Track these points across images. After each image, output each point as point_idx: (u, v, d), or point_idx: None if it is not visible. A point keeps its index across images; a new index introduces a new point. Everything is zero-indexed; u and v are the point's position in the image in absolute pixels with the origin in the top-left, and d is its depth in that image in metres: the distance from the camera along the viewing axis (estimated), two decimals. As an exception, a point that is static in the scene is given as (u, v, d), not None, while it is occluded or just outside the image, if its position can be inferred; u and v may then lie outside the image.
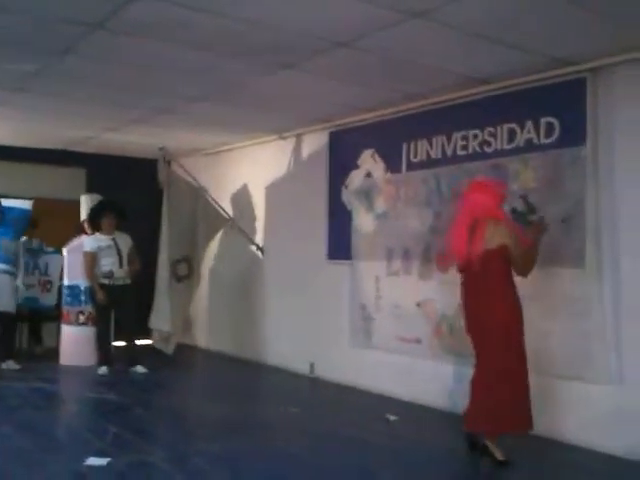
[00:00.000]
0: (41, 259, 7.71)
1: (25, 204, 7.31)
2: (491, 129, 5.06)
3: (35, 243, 7.69)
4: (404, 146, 5.77)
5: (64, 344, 7.41)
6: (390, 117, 5.90)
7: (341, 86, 5.19)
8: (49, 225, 7.74)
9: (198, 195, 7.48)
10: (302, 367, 6.82)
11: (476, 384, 4.17)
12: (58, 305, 7.62)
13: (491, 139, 5.06)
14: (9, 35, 4.12)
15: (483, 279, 4.10)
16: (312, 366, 6.73)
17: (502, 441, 4.11)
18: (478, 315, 4.17)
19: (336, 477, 3.97)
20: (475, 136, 5.18)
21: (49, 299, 7.71)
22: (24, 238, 7.41)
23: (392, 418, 5.15)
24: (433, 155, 5.53)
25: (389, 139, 5.93)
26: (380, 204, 6.00)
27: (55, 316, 7.65)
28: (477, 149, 5.17)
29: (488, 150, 5.08)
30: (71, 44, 4.27)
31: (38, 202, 7.45)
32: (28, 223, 7.37)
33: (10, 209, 7.15)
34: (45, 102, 5.95)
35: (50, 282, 7.64)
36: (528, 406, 4.11)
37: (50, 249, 7.69)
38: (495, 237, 4.04)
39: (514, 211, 4.74)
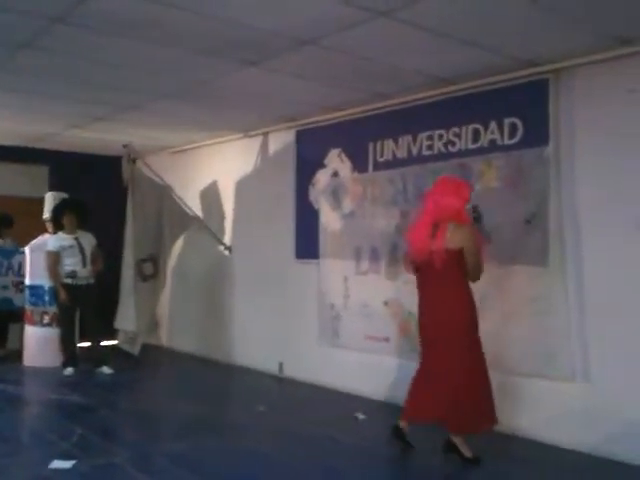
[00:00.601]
0: (14, 259, 7.56)
1: None
2: (456, 129, 5.12)
3: (8, 243, 7.53)
4: (370, 146, 5.81)
5: (28, 345, 7.27)
6: (357, 116, 5.93)
7: (307, 85, 5.19)
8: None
9: (164, 193, 7.40)
10: (271, 367, 6.81)
11: (430, 381, 4.21)
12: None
13: (456, 139, 5.12)
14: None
15: (442, 278, 4.15)
16: (281, 366, 6.73)
17: (469, 439, 4.17)
18: (435, 313, 4.22)
19: (304, 476, 3.98)
20: (440, 136, 5.24)
21: (23, 300, 7.54)
22: None
23: (361, 417, 5.19)
24: (399, 155, 5.58)
25: (356, 139, 5.95)
26: (347, 203, 6.03)
27: (19, 317, 7.51)
28: (442, 149, 5.22)
29: (453, 150, 5.14)
30: (32, 38, 4.17)
31: (1, 199, 7.30)
32: None
33: None
34: (5, 97, 5.81)
35: (23, 282, 7.48)
36: (492, 402, 4.18)
37: (23, 249, 7.52)
38: (455, 238, 4.10)
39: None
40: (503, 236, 4.68)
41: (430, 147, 5.32)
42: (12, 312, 7.56)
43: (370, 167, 5.84)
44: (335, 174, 6.19)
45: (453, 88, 5.07)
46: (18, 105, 6.15)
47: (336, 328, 6.10)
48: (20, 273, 7.50)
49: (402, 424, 4.33)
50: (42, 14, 3.79)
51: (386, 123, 5.67)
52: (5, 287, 7.48)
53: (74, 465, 3.94)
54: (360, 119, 5.91)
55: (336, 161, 6.17)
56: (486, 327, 4.28)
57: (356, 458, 4.32)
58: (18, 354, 7.33)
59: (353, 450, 4.46)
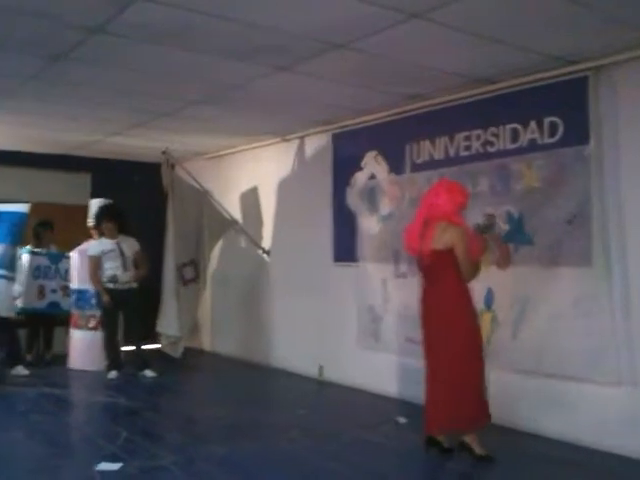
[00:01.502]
0: (61, 264, 7.72)
1: (21, 207, 7.07)
2: (494, 129, 5.06)
3: (53, 248, 7.71)
4: (407, 147, 5.79)
5: (73, 348, 7.45)
6: (393, 118, 5.91)
7: (342, 88, 5.20)
8: (56, 230, 7.80)
9: (202, 198, 7.50)
10: (310, 370, 6.83)
11: (437, 384, 4.22)
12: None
13: (494, 139, 5.07)
14: (9, 39, 4.12)
15: (432, 277, 4.24)
16: (321, 369, 6.74)
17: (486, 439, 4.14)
18: (428, 313, 4.26)
19: None
20: (478, 136, 5.19)
21: (69, 303, 7.70)
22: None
23: (402, 420, 5.16)
24: (436, 156, 5.55)
25: (392, 140, 5.94)
26: (385, 206, 6.01)
27: (64, 321, 7.69)
28: (480, 150, 5.18)
29: (491, 150, 5.09)
30: (72, 48, 4.28)
31: (44, 207, 7.49)
32: (25, 227, 7.24)
33: (6, 213, 6.96)
34: (46, 106, 5.97)
35: (69, 287, 7.67)
36: (486, 398, 4.18)
37: (69, 254, 7.66)
38: (442, 238, 4.13)
39: (477, 227, 4.77)
40: (545, 237, 4.62)
41: (468, 148, 5.28)
42: (59, 315, 7.73)
43: (407, 169, 5.82)
44: (372, 176, 6.18)
45: (491, 88, 5.03)
46: (59, 114, 6.30)
47: (376, 331, 6.09)
48: (66, 277, 7.68)
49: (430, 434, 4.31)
50: (81, 26, 3.89)
51: (423, 124, 5.64)
52: (53, 291, 7.66)
53: (121, 467, 4.01)
54: (396, 121, 5.89)
55: (373, 163, 6.16)
56: (530, 330, 4.23)
57: (398, 462, 4.30)
58: (63, 357, 7.51)
59: (395, 454, 4.45)
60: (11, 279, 7.04)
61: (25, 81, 5.09)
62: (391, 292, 5.94)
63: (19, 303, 7.34)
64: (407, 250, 4.50)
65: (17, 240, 7.14)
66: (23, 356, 7.34)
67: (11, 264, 7.02)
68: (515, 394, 4.78)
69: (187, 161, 7.99)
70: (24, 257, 7.46)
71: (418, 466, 4.27)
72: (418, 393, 5.53)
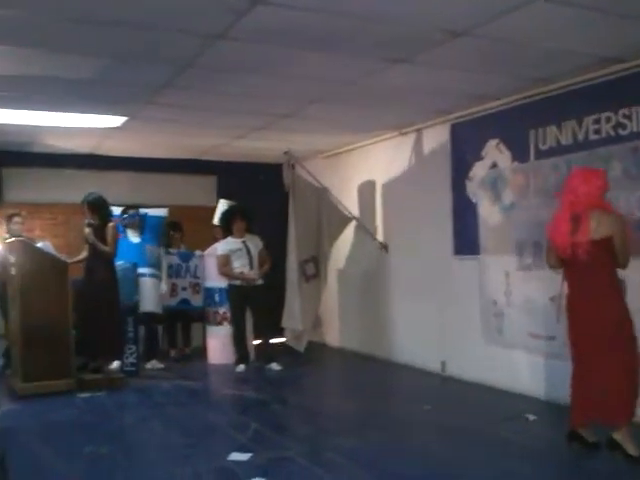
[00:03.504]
0: (191, 262, 8.12)
1: (162, 212, 7.85)
2: (625, 111, 4.75)
3: (183, 248, 8.15)
4: (531, 134, 5.56)
5: (209, 344, 7.86)
6: (514, 104, 5.70)
7: (461, 76, 5.07)
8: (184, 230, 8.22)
9: (321, 196, 7.61)
10: (432, 365, 6.75)
11: (588, 381, 4.05)
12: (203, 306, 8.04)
13: (626, 121, 4.75)
14: (135, 49, 4.35)
15: (590, 271, 3.97)
16: (444, 364, 6.65)
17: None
18: (587, 310, 4.02)
19: (478, 477, 3.88)
20: (608, 119, 4.89)
21: (199, 300, 8.11)
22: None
23: (531, 417, 4.99)
24: (563, 141, 5.29)
25: (514, 127, 5.73)
26: (507, 195, 5.81)
27: (200, 317, 8.08)
28: (611, 132, 4.87)
29: (623, 133, 4.78)
30: (195, 55, 4.46)
31: (175, 209, 7.94)
32: (164, 229, 7.90)
33: (149, 217, 7.68)
34: (174, 114, 6.25)
35: (199, 284, 8.06)
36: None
37: (198, 252, 8.07)
38: (600, 228, 3.90)
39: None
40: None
41: (597, 131, 4.99)
42: (190, 312, 8.14)
43: (531, 156, 5.59)
44: (494, 165, 6.00)
45: (620, 67, 4.72)
46: (188, 120, 6.60)
47: (498, 326, 5.91)
48: (196, 275, 8.06)
49: (574, 428, 4.15)
50: (202, 33, 4.04)
51: (547, 109, 5.40)
52: (184, 288, 8.06)
53: (251, 457, 4.15)
54: (518, 107, 5.68)
55: (494, 152, 5.98)
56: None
57: (532, 460, 4.13)
58: (201, 352, 7.91)
59: (527, 451, 4.28)
60: (158, 277, 7.57)
61: (157, 90, 5.36)
62: (514, 285, 5.74)
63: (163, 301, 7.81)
64: (557, 248, 4.18)
65: (160, 242, 7.77)
66: (160, 351, 7.80)
67: (158, 264, 7.58)
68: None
69: (306, 160, 8.13)
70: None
71: (558, 465, 4.10)
72: (545, 389, 5.39)
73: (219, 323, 7.72)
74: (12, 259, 6.32)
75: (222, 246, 7.38)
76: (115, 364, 6.66)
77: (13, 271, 6.24)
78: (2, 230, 7.55)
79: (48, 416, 5.35)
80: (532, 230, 5.49)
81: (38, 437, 4.74)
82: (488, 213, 6.03)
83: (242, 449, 4.33)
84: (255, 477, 3.77)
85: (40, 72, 4.77)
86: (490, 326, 6.01)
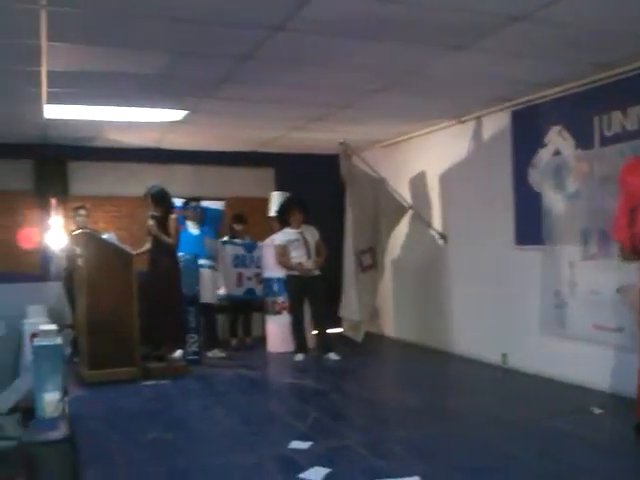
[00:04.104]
0: (255, 252, 8.23)
1: (219, 204, 8.02)
2: (697, 93, 4.57)
3: (247, 238, 8.27)
4: (596, 120, 5.39)
5: (269, 333, 7.99)
6: (578, 90, 5.54)
7: (522, 62, 4.96)
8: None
9: (378, 186, 7.57)
10: (492, 357, 6.65)
11: None
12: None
13: (697, 104, 4.57)
14: (197, 44, 4.41)
15: None
16: (505, 356, 6.54)
17: None
18: None
19: (545, 470, 3.80)
20: (678, 103, 4.71)
21: (262, 290, 8.18)
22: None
23: (597, 411, 4.86)
24: (629, 127, 5.11)
25: (578, 113, 5.56)
26: (571, 183, 5.66)
27: (260, 306, 8.19)
28: (681, 117, 4.69)
29: (694, 117, 4.59)
30: (254, 48, 4.49)
31: (234, 201, 8.04)
32: (222, 222, 8.07)
33: (209, 210, 7.84)
34: (233, 106, 6.31)
35: (260, 274, 8.16)
36: None
37: (261, 243, 8.15)
38: None
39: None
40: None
41: (666, 116, 4.81)
42: (255, 301, 8.25)
43: (596, 143, 5.42)
44: (557, 153, 5.84)
45: (692, 47, 4.53)
46: (246, 113, 6.66)
47: (561, 317, 5.77)
48: (258, 265, 8.17)
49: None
50: (262, 25, 4.06)
51: (612, 94, 5.22)
52: (249, 278, 8.18)
53: (311, 446, 4.20)
54: (582, 92, 5.51)
55: (557, 139, 5.82)
56: None
57: (600, 454, 4.03)
58: (261, 341, 8.03)
59: (595, 445, 4.18)
60: (215, 269, 7.73)
61: (217, 83, 5.43)
62: (578, 275, 5.59)
63: (221, 291, 7.94)
64: (619, 241, 4.15)
65: (217, 234, 7.97)
66: (221, 340, 7.94)
67: (215, 256, 7.75)
68: None
69: (363, 150, 8.10)
70: (227, 248, 8.04)
71: (626, 458, 3.96)
72: (611, 381, 5.24)
73: (278, 312, 7.83)
74: (79, 251, 6.54)
75: (280, 237, 7.46)
76: (178, 353, 6.82)
77: (80, 263, 6.46)
78: (69, 222, 7.83)
79: (114, 403, 5.54)
80: (597, 219, 5.34)
81: (105, 423, 4.92)
82: (552, 201, 5.88)
83: (302, 438, 4.37)
84: (315, 466, 3.81)
85: (106, 68, 4.90)
86: (551, 318, 5.88)
